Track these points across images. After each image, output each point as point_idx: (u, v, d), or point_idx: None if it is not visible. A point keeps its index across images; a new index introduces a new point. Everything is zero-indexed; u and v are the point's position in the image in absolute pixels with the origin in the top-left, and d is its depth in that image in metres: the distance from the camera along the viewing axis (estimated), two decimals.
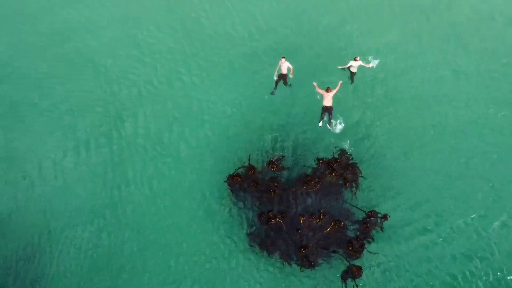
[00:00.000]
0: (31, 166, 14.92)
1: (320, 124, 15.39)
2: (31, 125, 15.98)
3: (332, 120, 15.34)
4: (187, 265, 13.09)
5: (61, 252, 13.26)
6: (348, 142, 14.97)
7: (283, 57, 15.81)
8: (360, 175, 13.93)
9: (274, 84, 16.29)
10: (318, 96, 15.73)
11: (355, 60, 16.07)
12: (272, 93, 16.35)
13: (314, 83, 15.33)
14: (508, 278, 12.73)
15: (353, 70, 16.24)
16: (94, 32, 18.64)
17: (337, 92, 15.15)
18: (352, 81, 16.46)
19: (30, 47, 18.20)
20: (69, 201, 14.20)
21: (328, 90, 14.95)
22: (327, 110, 15.16)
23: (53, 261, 13.11)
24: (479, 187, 14.31)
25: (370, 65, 16.51)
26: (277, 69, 16.15)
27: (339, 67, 16.50)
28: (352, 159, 14.20)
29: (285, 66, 15.82)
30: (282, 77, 16.16)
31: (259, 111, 16.02)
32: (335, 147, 14.64)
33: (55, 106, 16.47)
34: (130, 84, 17.03)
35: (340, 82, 15.28)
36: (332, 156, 14.28)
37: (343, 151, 14.32)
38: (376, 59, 16.96)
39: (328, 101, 15.06)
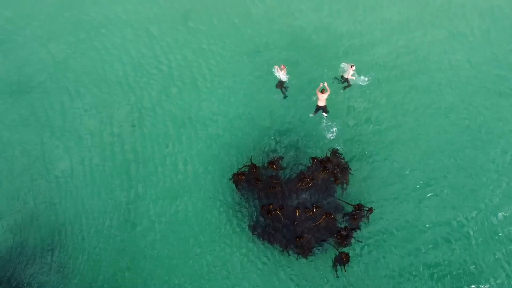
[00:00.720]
0: (64, 164, 16.86)
1: (311, 115, 17.15)
2: (63, 127, 17.83)
3: (327, 116, 17.00)
4: (201, 251, 15.06)
5: (91, 240, 15.28)
6: (341, 143, 16.49)
7: (283, 65, 17.52)
8: (350, 172, 15.58)
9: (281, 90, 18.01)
10: (314, 98, 17.37)
11: (351, 67, 17.50)
12: (284, 97, 18.00)
13: (325, 83, 16.84)
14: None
15: (346, 75, 17.67)
16: (115, 42, 20.32)
17: (331, 94, 16.78)
18: (348, 86, 17.81)
19: (59, 55, 19.97)
20: (98, 195, 16.11)
21: (323, 91, 16.56)
22: (321, 108, 16.87)
23: (84, 247, 15.16)
24: (460, 180, 15.86)
25: (360, 81, 18.00)
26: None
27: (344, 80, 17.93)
28: (343, 158, 15.82)
29: (282, 74, 17.49)
30: (281, 82, 17.84)
31: (261, 115, 17.59)
32: (328, 149, 16.10)
33: (83, 108, 18.29)
34: (151, 88, 18.70)
35: (326, 83, 16.77)
36: (326, 155, 15.93)
37: (335, 151, 15.88)
38: (367, 76, 18.18)
39: (322, 101, 16.72)
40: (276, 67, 17.99)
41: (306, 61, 19.03)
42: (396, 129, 16.97)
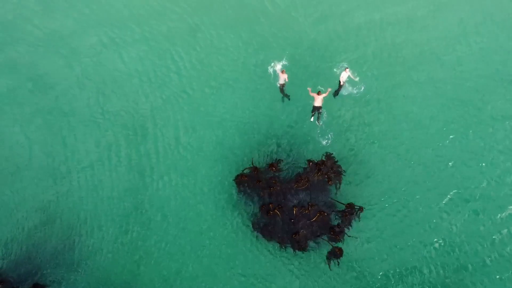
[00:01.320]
0: (84, 164, 18.09)
1: (312, 119, 18.41)
2: (83, 130, 18.94)
3: (320, 118, 18.31)
4: (210, 245, 16.62)
5: (110, 236, 16.70)
6: (335, 147, 17.81)
7: (283, 70, 18.87)
8: (343, 174, 16.93)
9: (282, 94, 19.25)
10: (310, 100, 18.54)
11: (345, 70, 18.70)
12: (283, 100, 19.26)
13: (308, 88, 18.12)
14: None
15: (341, 79, 18.75)
16: (136, 49, 21.23)
17: (327, 99, 18.07)
18: (337, 94, 19.05)
19: (81, 62, 20.81)
20: (116, 193, 17.45)
21: (319, 93, 17.80)
22: (317, 109, 18.13)
23: (103, 243, 16.60)
24: (447, 176, 17.41)
25: (355, 88, 19.23)
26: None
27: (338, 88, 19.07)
28: (336, 161, 17.17)
29: (281, 78, 18.79)
30: (281, 86, 19.17)
31: (263, 120, 18.86)
32: (323, 154, 17.36)
33: (106, 110, 19.40)
34: (168, 92, 19.82)
35: (329, 89, 18.12)
36: (321, 158, 17.25)
37: (329, 155, 17.17)
38: (361, 84, 19.29)
39: (318, 102, 17.95)
40: (278, 68, 19.10)
41: (307, 64, 20.14)
42: (389, 131, 18.33)
